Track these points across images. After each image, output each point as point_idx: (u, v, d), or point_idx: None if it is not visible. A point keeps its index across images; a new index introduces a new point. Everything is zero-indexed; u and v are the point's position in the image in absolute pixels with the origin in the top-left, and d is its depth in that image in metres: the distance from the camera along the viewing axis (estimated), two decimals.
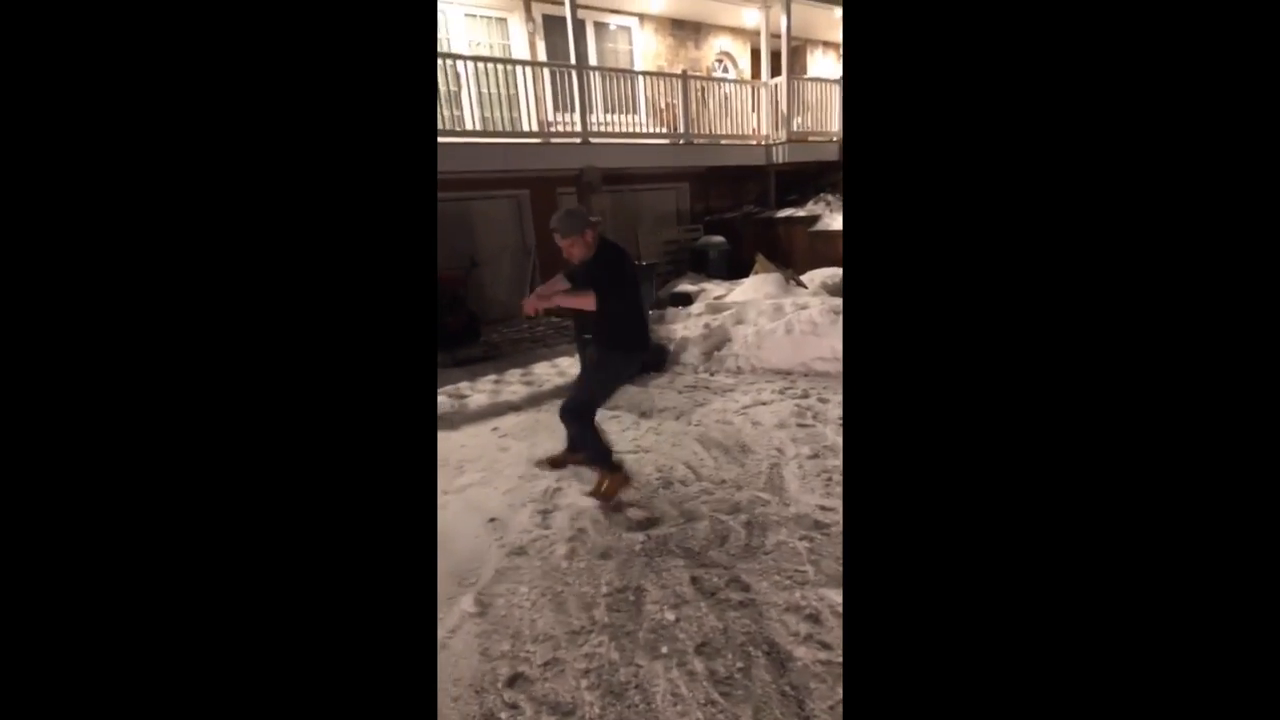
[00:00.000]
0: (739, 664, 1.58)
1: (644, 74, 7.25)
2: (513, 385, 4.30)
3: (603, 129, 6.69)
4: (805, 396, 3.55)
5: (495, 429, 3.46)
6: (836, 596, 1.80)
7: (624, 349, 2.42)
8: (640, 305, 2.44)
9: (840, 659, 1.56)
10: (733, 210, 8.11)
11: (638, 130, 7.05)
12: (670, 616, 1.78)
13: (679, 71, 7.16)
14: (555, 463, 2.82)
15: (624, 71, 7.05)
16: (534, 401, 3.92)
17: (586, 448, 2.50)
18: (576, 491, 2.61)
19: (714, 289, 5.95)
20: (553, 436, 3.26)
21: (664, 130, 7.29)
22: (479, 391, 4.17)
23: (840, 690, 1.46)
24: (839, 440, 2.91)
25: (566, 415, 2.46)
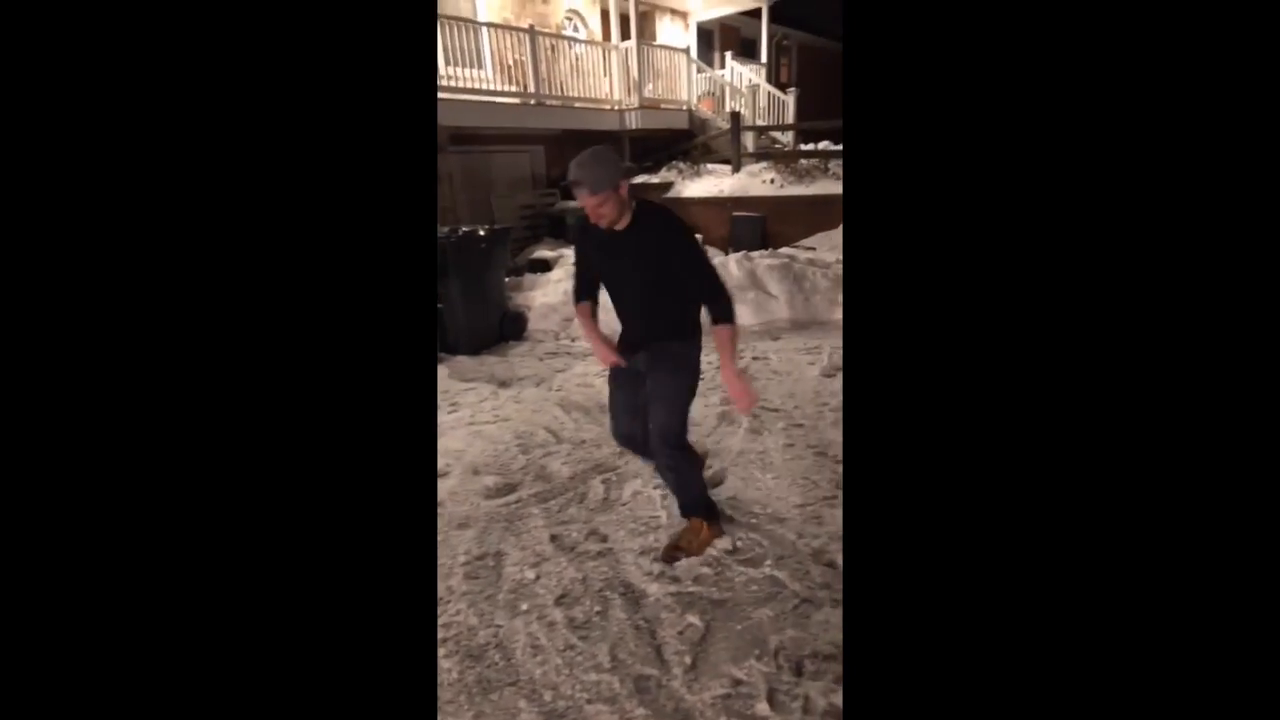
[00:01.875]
0: (596, 608, 1.65)
1: (488, 25, 6.82)
2: None
3: (446, 84, 6.22)
4: None
5: None
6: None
7: (695, 335, 1.76)
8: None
9: (690, 590, 1.70)
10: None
11: (485, 88, 6.66)
12: (530, 575, 1.80)
13: (526, 26, 6.84)
14: (674, 554, 1.85)
15: (465, 21, 6.57)
16: None
17: (693, 490, 1.86)
18: None
19: (572, 255, 5.90)
20: None
21: (513, 88, 6.97)
22: None
23: (688, 617, 1.59)
24: None
25: (662, 451, 1.75)
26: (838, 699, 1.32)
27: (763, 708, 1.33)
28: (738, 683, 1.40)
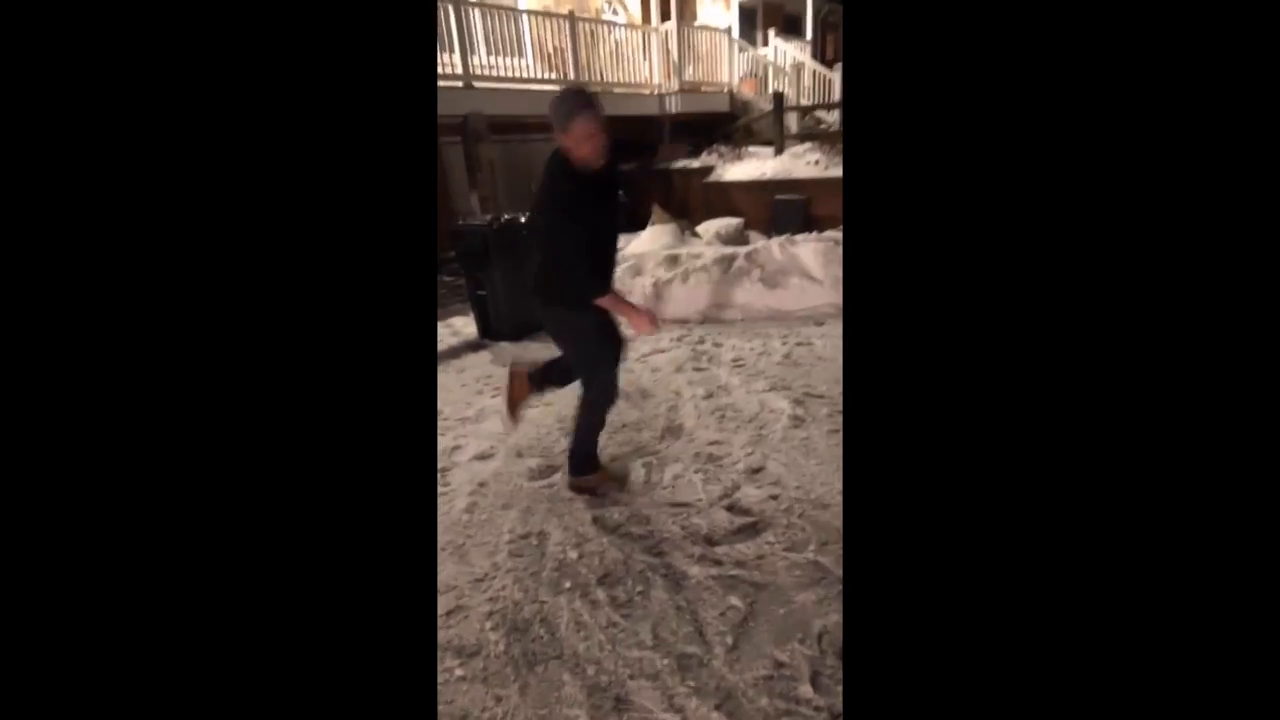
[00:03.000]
0: (638, 588, 1.67)
1: (529, 13, 6.85)
2: None
3: (487, 73, 6.29)
4: (701, 342, 3.69)
5: None
6: (724, 517, 1.94)
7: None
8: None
9: (731, 573, 1.69)
10: (627, 161, 8.04)
11: (525, 75, 6.70)
12: (573, 555, 1.83)
13: (565, 12, 6.83)
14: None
15: (506, 9, 6.61)
16: None
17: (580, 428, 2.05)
18: (474, 448, 2.56)
19: None
20: (448, 396, 3.17)
21: (553, 76, 6.99)
22: None
23: (730, 599, 1.59)
24: (731, 380, 3.07)
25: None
26: None
27: (805, 690, 1.32)
28: (780, 664, 1.39)
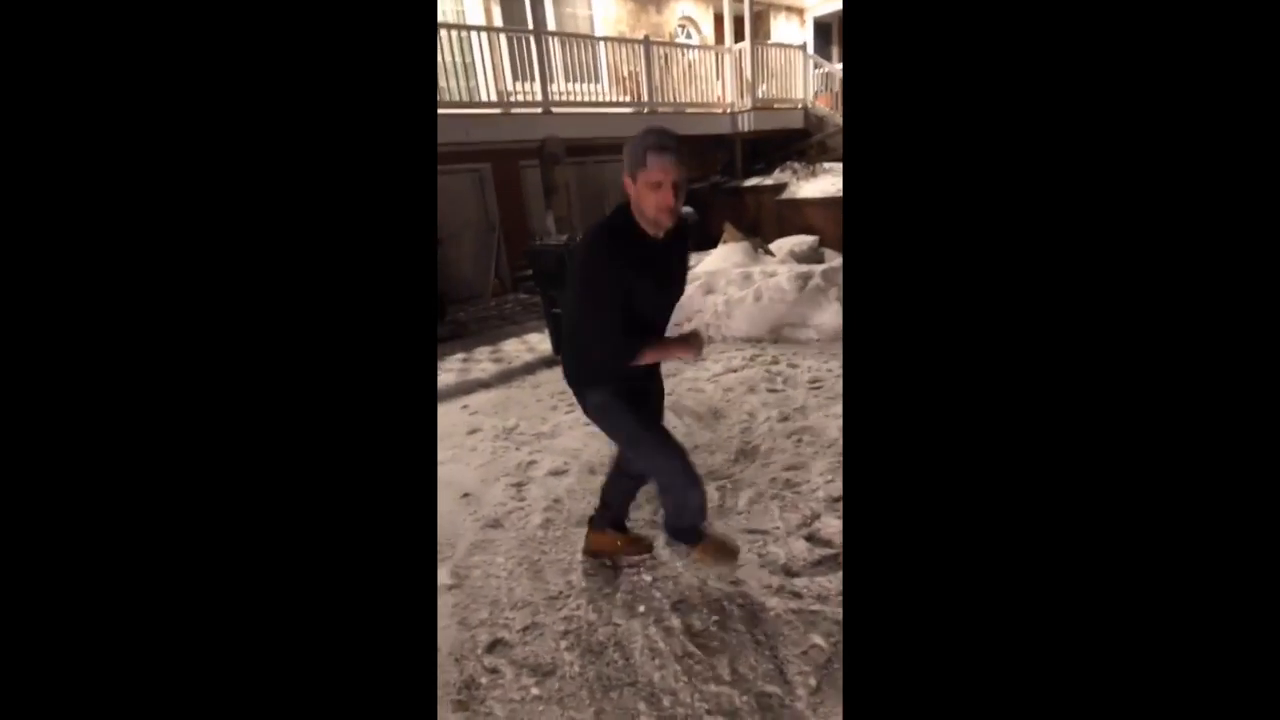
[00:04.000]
0: (714, 618, 1.62)
1: (605, 40, 7.07)
2: (482, 363, 4.24)
3: (564, 99, 6.53)
4: (775, 363, 3.60)
5: (465, 406, 3.42)
6: (803, 547, 1.85)
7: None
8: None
9: (813, 609, 1.61)
10: (700, 180, 8.07)
11: (600, 99, 6.90)
12: (647, 578, 1.81)
13: (641, 37, 7.00)
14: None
15: (584, 37, 6.85)
16: (504, 378, 3.88)
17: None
18: (549, 463, 2.60)
19: None
20: (523, 412, 3.24)
21: (627, 99, 7.15)
22: (447, 370, 4.11)
23: (813, 637, 1.51)
24: (808, 402, 2.96)
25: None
26: None
27: None
28: None
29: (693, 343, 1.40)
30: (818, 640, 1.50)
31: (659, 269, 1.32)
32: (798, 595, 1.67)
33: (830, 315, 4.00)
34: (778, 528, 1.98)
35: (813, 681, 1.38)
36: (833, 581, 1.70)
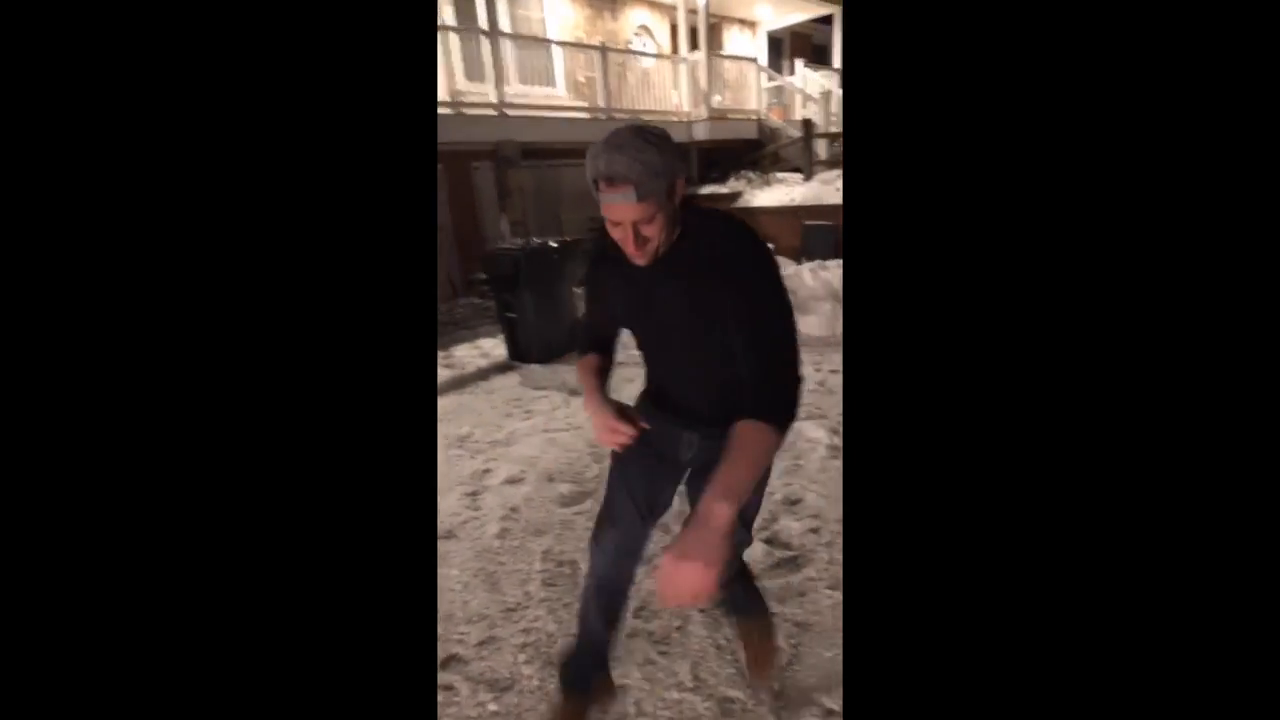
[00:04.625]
0: (675, 623, 1.60)
1: (561, 44, 7.04)
2: None
3: (519, 101, 6.45)
4: None
5: None
6: (761, 550, 1.87)
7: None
8: None
9: (774, 610, 1.62)
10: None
11: (556, 104, 6.86)
12: None
13: (597, 43, 7.01)
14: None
15: (540, 40, 6.81)
16: (456, 384, 3.77)
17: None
18: (505, 471, 2.54)
19: None
20: (478, 419, 3.16)
21: (583, 104, 7.14)
22: None
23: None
24: None
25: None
26: None
27: None
28: (830, 713, 1.31)
29: (610, 427, 1.07)
30: (778, 642, 1.51)
31: (653, 285, 0.99)
32: None
33: None
34: (739, 530, 1.99)
35: (775, 685, 1.39)
36: (791, 583, 1.72)
